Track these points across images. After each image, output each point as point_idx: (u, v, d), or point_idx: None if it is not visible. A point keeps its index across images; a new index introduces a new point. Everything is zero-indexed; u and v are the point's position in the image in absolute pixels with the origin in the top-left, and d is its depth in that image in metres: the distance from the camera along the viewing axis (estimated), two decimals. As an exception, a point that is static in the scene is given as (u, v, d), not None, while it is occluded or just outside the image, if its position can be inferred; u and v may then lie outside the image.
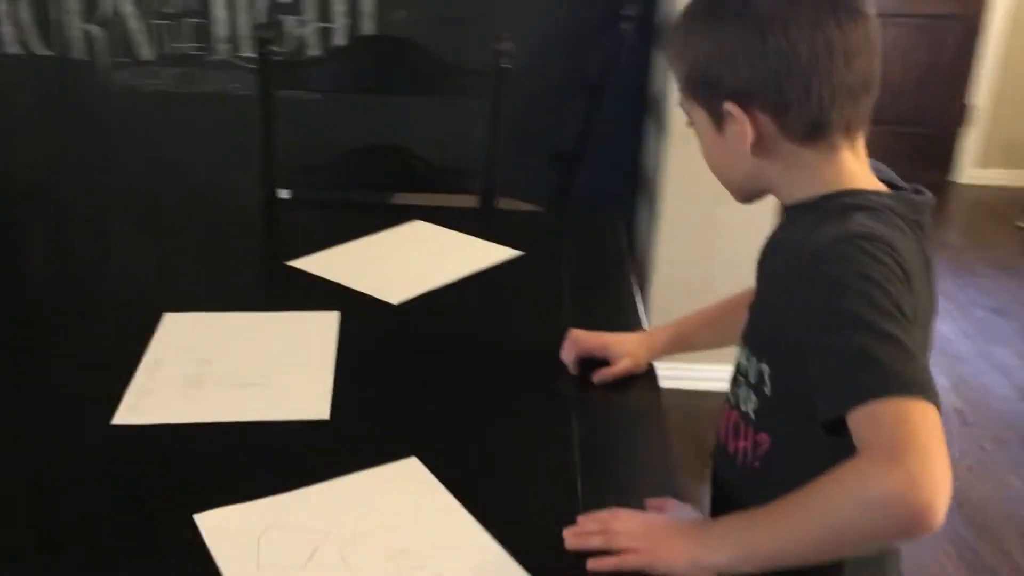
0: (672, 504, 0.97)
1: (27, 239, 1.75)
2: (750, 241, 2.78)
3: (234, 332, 1.31)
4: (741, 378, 1.01)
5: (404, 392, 1.20)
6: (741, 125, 0.90)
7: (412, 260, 1.57)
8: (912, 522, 0.73)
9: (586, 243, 1.74)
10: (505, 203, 2.03)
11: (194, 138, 2.92)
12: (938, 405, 0.76)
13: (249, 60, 2.85)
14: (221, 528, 0.92)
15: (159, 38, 2.85)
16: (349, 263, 1.54)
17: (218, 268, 1.60)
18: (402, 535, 0.92)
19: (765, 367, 0.95)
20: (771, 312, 0.96)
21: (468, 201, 1.98)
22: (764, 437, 0.96)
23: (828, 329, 0.81)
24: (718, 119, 0.93)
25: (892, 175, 0.97)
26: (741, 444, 0.99)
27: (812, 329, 0.83)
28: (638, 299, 1.48)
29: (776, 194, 0.97)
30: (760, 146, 0.91)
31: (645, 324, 1.40)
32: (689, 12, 0.95)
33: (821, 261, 0.84)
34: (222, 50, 2.86)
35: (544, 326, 1.37)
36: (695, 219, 2.66)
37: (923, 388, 0.76)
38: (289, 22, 2.83)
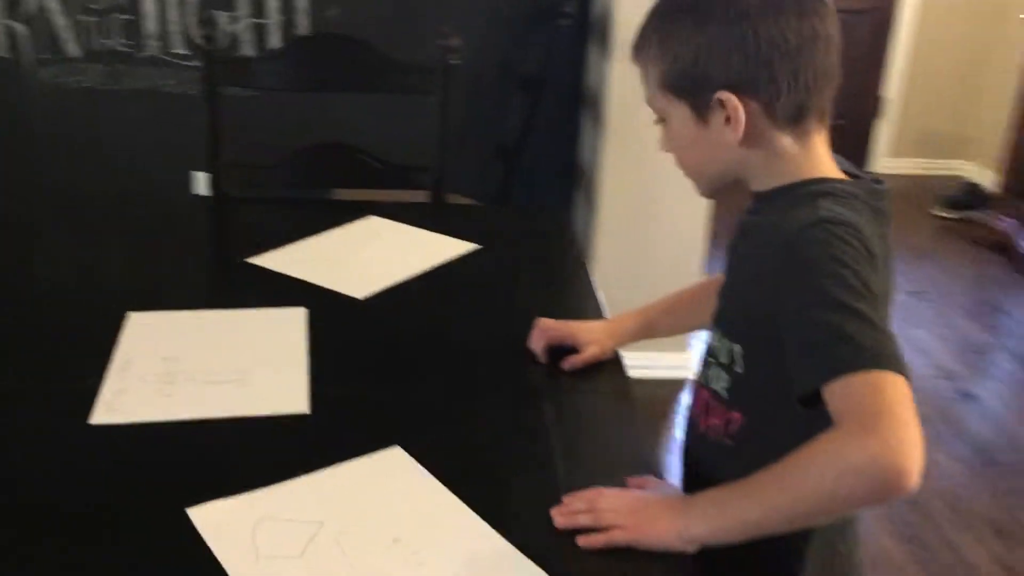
0: (653, 481, 1.01)
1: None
2: (686, 232, 2.88)
3: (202, 330, 1.31)
4: (711, 359, 1.05)
5: (380, 384, 1.22)
6: (734, 114, 0.93)
7: (372, 255, 1.58)
8: (889, 486, 0.78)
9: (539, 236, 1.77)
10: (448, 198, 2.05)
11: (124, 136, 2.86)
12: (908, 376, 0.81)
13: (180, 57, 2.81)
14: (215, 522, 0.92)
15: (86, 34, 2.78)
16: (310, 259, 1.54)
17: (176, 267, 1.58)
18: (395, 522, 0.94)
19: (738, 347, 0.99)
20: (744, 294, 1.00)
21: (414, 196, 1.99)
22: (736, 415, 1.01)
23: (802, 308, 0.86)
24: (702, 112, 0.95)
25: (850, 165, 1.02)
26: (713, 422, 1.04)
27: (787, 308, 0.88)
28: (597, 289, 1.51)
29: (750, 183, 1.01)
30: (748, 134, 0.94)
31: (605, 312, 1.44)
32: (665, 12, 0.98)
33: (794, 244, 0.88)
34: (152, 46, 2.81)
35: (508, 317, 1.40)
36: (632, 211, 2.72)
37: (893, 361, 0.81)
38: (222, 18, 2.80)
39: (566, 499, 0.96)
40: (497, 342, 1.33)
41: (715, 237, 2.87)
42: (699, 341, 2.92)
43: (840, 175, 0.98)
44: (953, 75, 4.80)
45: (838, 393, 0.82)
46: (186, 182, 2.93)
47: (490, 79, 2.73)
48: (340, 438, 1.09)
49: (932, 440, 2.61)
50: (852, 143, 4.82)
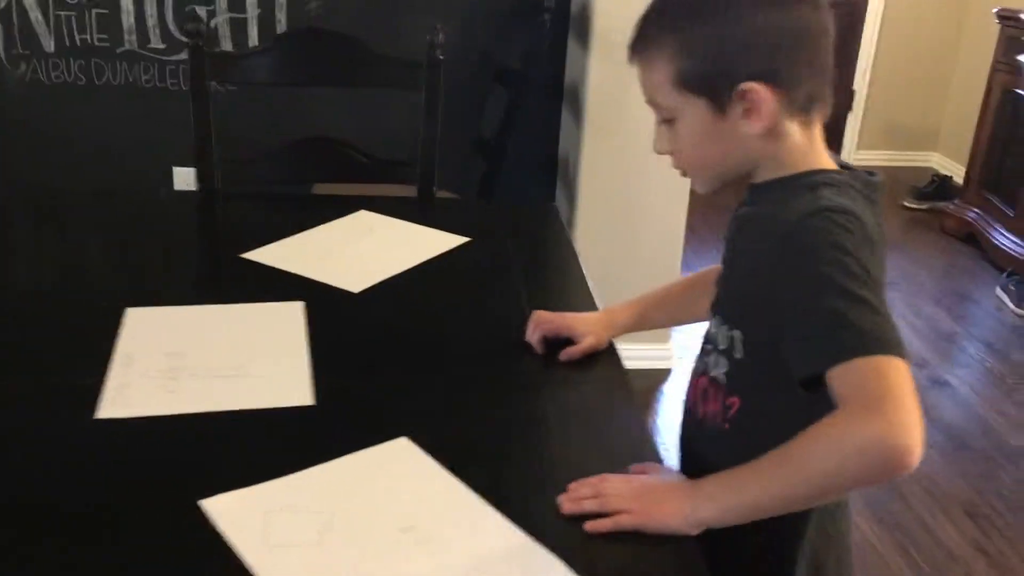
0: (655, 467, 1.04)
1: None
2: (666, 224, 2.91)
3: (201, 325, 1.32)
4: (709, 346, 1.08)
5: (381, 376, 1.23)
6: (757, 105, 0.95)
7: (366, 249, 1.60)
8: (892, 464, 0.82)
9: (527, 229, 1.80)
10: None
11: (102, 132, 2.85)
12: (908, 359, 0.85)
13: (158, 51, 2.80)
14: (229, 513, 0.94)
15: (62, 29, 2.76)
16: (304, 254, 1.56)
17: (171, 263, 1.59)
18: (406, 510, 0.96)
19: (737, 333, 1.01)
20: (745, 282, 1.02)
21: (393, 190, 2.01)
22: (734, 400, 1.03)
23: (805, 294, 0.89)
24: (721, 106, 0.97)
25: (841, 159, 1.06)
26: (711, 408, 1.06)
27: (789, 294, 0.91)
28: (588, 280, 1.54)
29: (756, 174, 1.02)
30: (769, 124, 0.96)
31: (598, 304, 1.46)
32: (676, 8, 0.98)
33: (796, 233, 0.91)
34: (129, 41, 2.79)
35: (503, 309, 1.43)
36: (613, 204, 2.75)
37: (894, 345, 0.85)
38: (200, 12, 2.78)
39: (572, 486, 0.98)
40: (493, 334, 1.36)
41: (691, 230, 2.91)
42: (680, 333, 2.97)
43: (834, 166, 1.01)
44: (921, 67, 4.88)
45: (841, 377, 0.85)
46: (165, 178, 2.93)
47: (471, 74, 2.75)
48: (346, 429, 1.11)
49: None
50: (826, 136, 4.87)
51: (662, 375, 2.87)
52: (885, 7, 4.76)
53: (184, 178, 2.92)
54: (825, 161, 1.00)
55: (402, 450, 1.06)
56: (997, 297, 3.57)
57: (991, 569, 2.15)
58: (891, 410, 0.82)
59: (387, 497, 0.98)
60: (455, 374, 1.25)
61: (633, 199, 2.75)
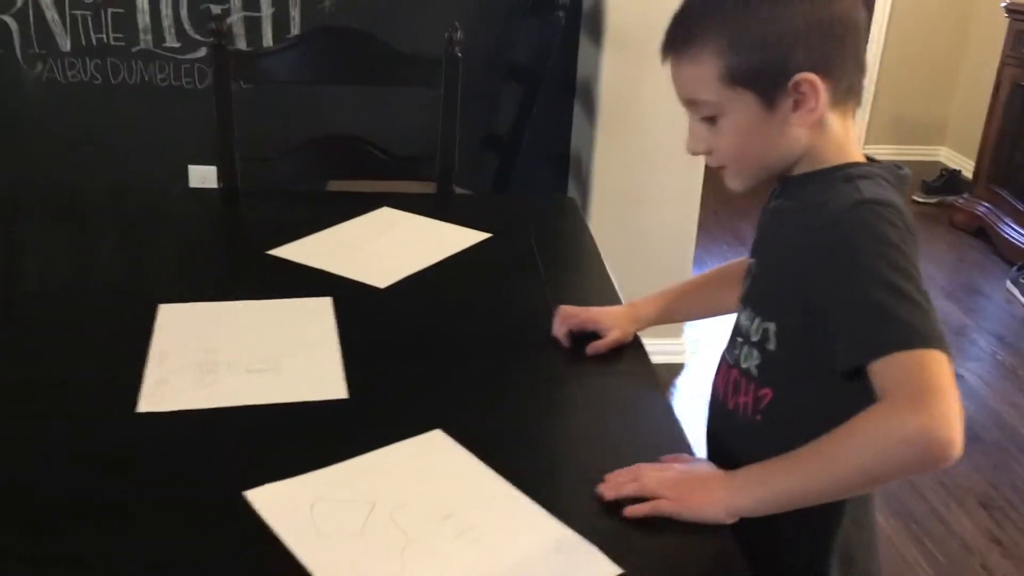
0: (687, 458, 1.05)
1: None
2: (678, 219, 2.92)
3: (233, 321, 1.34)
4: (740, 339, 1.09)
5: (412, 369, 1.25)
6: (810, 97, 0.95)
7: (390, 245, 1.62)
8: (935, 457, 0.84)
9: (547, 223, 1.81)
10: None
11: (118, 131, 2.87)
12: (950, 353, 0.86)
13: (173, 50, 2.81)
14: (273, 503, 0.96)
15: (78, 29, 2.78)
16: (329, 250, 1.58)
17: (199, 260, 1.61)
18: (445, 500, 0.98)
19: (772, 325, 1.02)
20: (782, 275, 1.03)
21: (415, 187, 2.03)
22: (766, 392, 1.05)
23: (850, 287, 0.90)
24: (772, 99, 0.96)
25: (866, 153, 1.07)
26: (742, 400, 1.08)
27: (833, 287, 0.92)
28: (611, 274, 1.56)
29: (796, 167, 1.02)
30: (820, 116, 0.97)
31: (621, 298, 1.48)
32: (726, 3, 0.96)
33: (838, 225, 0.92)
34: (144, 40, 2.81)
35: (528, 303, 1.45)
36: (625, 199, 2.77)
37: (936, 339, 0.86)
38: (214, 10, 2.80)
39: (609, 476, 1.00)
40: (519, 327, 1.38)
41: (701, 227, 2.92)
42: (692, 328, 2.99)
43: (864, 159, 1.02)
44: (929, 61, 4.89)
45: (883, 370, 0.87)
46: (180, 176, 2.95)
47: (484, 70, 2.76)
48: (380, 421, 1.13)
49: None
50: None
51: (675, 369, 2.88)
52: (893, 1, 4.76)
53: (200, 176, 2.95)
54: (858, 154, 1.02)
55: (437, 442, 1.08)
56: (1007, 291, 3.58)
57: (1005, 559, 2.17)
58: (935, 403, 0.83)
59: (426, 487, 1.00)
60: (484, 367, 1.27)
61: (645, 195, 2.76)
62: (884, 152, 4.97)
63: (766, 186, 1.08)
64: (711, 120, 1.00)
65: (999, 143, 3.95)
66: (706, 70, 0.97)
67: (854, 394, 0.91)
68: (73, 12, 2.77)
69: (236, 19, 2.82)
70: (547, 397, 1.23)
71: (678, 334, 2.93)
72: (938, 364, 0.85)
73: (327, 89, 2.65)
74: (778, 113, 0.97)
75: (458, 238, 1.65)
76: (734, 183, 1.05)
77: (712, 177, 2.78)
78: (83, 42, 2.79)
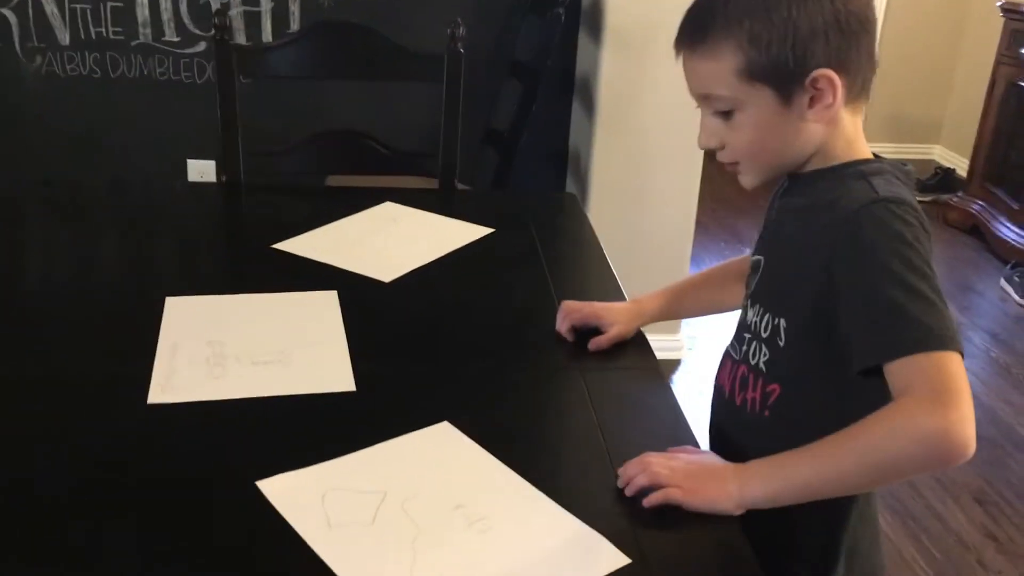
0: (692, 450, 1.06)
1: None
2: (676, 217, 2.93)
3: (241, 313, 1.34)
4: (748, 335, 1.09)
5: (418, 363, 1.26)
6: (826, 94, 0.96)
7: (393, 240, 1.63)
8: (952, 456, 0.85)
9: (549, 218, 1.82)
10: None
11: (116, 125, 2.87)
12: (962, 352, 0.88)
13: (172, 44, 2.81)
14: (284, 493, 0.97)
15: (77, 22, 2.78)
16: (333, 244, 1.58)
17: (205, 254, 1.62)
18: (454, 491, 0.99)
19: (782, 321, 1.03)
20: (794, 272, 1.03)
21: (416, 183, 2.04)
22: (774, 387, 1.05)
23: (866, 285, 0.91)
24: (790, 95, 0.96)
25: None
26: (750, 395, 1.08)
27: (849, 285, 0.93)
28: (613, 269, 1.57)
29: (808, 163, 1.03)
30: (836, 111, 0.98)
31: (624, 291, 1.49)
32: (743, 4, 0.96)
33: (853, 223, 0.93)
34: (143, 34, 2.81)
35: (532, 297, 1.46)
36: (624, 197, 2.78)
37: (950, 340, 0.88)
38: (213, 5, 2.80)
39: (620, 471, 1.00)
40: (523, 322, 1.39)
41: (699, 224, 2.93)
42: (689, 325, 3.00)
43: (872, 156, 1.03)
44: (924, 60, 4.91)
45: (900, 371, 0.88)
46: (179, 170, 2.95)
47: (484, 67, 2.77)
48: (388, 414, 1.14)
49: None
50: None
51: (672, 366, 2.90)
52: (889, 0, 4.78)
53: (198, 170, 2.95)
54: (867, 150, 1.03)
55: (445, 433, 1.09)
56: (1001, 288, 3.61)
57: (1001, 555, 2.19)
58: (953, 405, 0.85)
59: (436, 478, 1.01)
60: (489, 361, 1.28)
61: (644, 193, 2.77)
62: (879, 150, 4.94)
63: (766, 184, 1.08)
64: (725, 115, 1.00)
65: (994, 142, 3.97)
66: (724, 65, 0.97)
67: (864, 390, 0.93)
68: (72, 6, 2.77)
69: (236, 13, 2.82)
70: (552, 390, 1.24)
71: (675, 330, 2.95)
72: (955, 365, 0.87)
73: (328, 84, 2.65)
74: (794, 109, 0.98)
75: (461, 233, 1.66)
76: (747, 179, 1.05)
77: (710, 175, 2.80)
78: (82, 36, 2.79)
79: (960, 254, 3.95)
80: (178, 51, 2.84)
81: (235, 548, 0.91)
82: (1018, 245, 3.71)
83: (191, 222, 1.76)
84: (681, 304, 1.36)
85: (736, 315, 1.16)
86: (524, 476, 1.01)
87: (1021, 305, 3.48)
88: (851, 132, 1.02)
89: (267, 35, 2.83)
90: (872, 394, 0.91)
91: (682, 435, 1.13)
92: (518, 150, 2.64)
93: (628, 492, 0.98)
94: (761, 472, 0.95)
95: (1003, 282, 3.61)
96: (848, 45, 0.96)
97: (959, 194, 4.21)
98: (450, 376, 1.24)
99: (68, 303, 1.40)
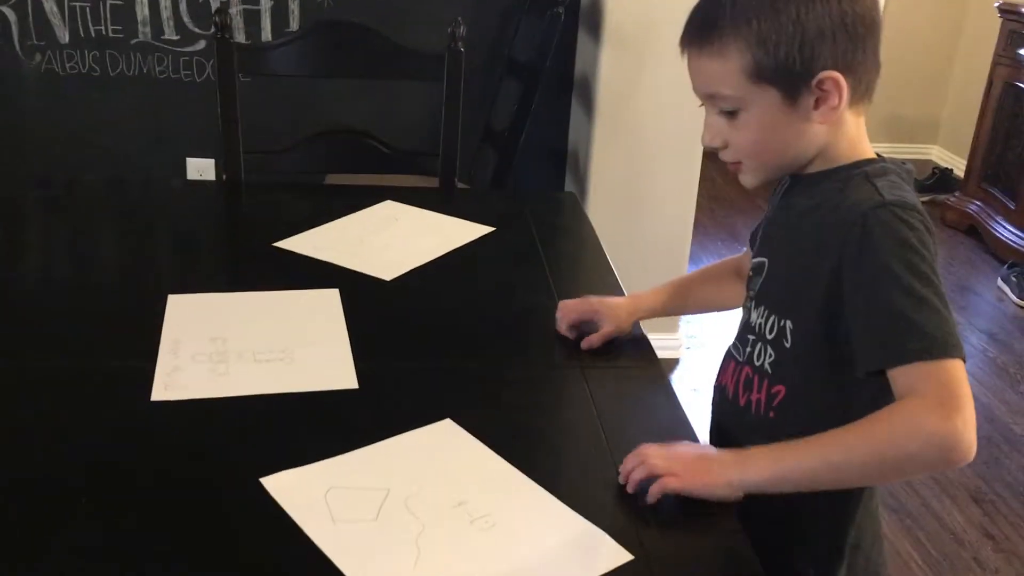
0: (690, 443, 1.06)
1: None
2: (675, 216, 2.94)
3: (242, 311, 1.35)
4: (752, 336, 1.09)
5: (420, 361, 1.27)
6: (832, 95, 0.96)
7: (394, 238, 1.63)
8: (954, 459, 0.87)
9: (549, 217, 1.83)
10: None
11: (116, 123, 2.87)
12: (964, 359, 0.89)
13: (172, 42, 2.82)
14: (288, 490, 0.97)
15: (76, 20, 2.78)
16: (334, 242, 1.59)
17: (206, 252, 1.62)
18: (457, 487, 0.99)
19: (788, 323, 1.03)
20: (799, 273, 1.03)
21: (415, 181, 2.04)
22: (779, 388, 1.05)
23: (871, 290, 0.92)
24: (795, 96, 0.97)
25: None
26: (755, 396, 1.08)
27: (855, 289, 0.93)
28: (613, 266, 1.57)
29: (811, 164, 1.03)
30: (841, 113, 0.98)
31: (624, 289, 1.49)
32: (752, 4, 0.96)
33: (860, 226, 0.93)
34: (143, 32, 2.81)
35: (532, 295, 1.46)
36: (622, 196, 2.78)
37: (953, 347, 0.88)
38: (213, 3, 2.80)
39: (621, 467, 1.01)
40: (524, 320, 1.40)
41: (696, 224, 2.94)
42: (687, 323, 3.01)
43: (875, 156, 1.04)
44: (921, 60, 4.92)
45: (904, 376, 0.89)
46: (178, 168, 2.95)
47: (484, 66, 2.78)
48: (390, 411, 1.14)
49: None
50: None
51: (670, 364, 2.91)
52: (887, 1, 4.79)
53: (197, 168, 2.95)
54: (870, 151, 1.03)
55: (448, 430, 1.09)
56: (999, 288, 3.62)
57: (997, 553, 2.20)
58: (958, 411, 0.86)
59: (438, 475, 1.02)
60: (490, 359, 1.29)
61: (642, 192, 2.78)
62: (876, 151, 4.99)
63: (764, 184, 1.08)
64: (729, 114, 1.01)
65: (991, 142, 3.98)
66: (731, 64, 0.97)
67: (869, 392, 0.94)
68: (72, 4, 2.77)
69: (235, 12, 2.82)
70: (553, 387, 1.25)
71: (674, 329, 2.95)
72: (958, 371, 0.88)
73: (328, 83, 2.65)
74: (799, 110, 0.98)
75: (461, 231, 1.67)
76: (749, 178, 1.05)
77: (708, 175, 2.81)
78: (81, 34, 2.79)
79: (957, 254, 3.96)
80: (177, 49, 2.84)
81: (239, 545, 0.92)
82: (1015, 245, 3.72)
83: (192, 221, 1.76)
84: (680, 300, 1.37)
85: (737, 316, 1.16)
86: (526, 473, 1.02)
87: (1018, 305, 3.49)
88: (854, 133, 1.02)
89: (266, 34, 2.83)
90: (880, 396, 0.92)
91: (682, 433, 1.13)
92: (518, 149, 2.65)
93: (629, 489, 0.99)
94: (761, 457, 0.95)
95: (1000, 282, 3.62)
96: (855, 47, 0.97)
97: (956, 194, 4.22)
98: (451, 374, 1.24)
99: (69, 301, 1.41)
